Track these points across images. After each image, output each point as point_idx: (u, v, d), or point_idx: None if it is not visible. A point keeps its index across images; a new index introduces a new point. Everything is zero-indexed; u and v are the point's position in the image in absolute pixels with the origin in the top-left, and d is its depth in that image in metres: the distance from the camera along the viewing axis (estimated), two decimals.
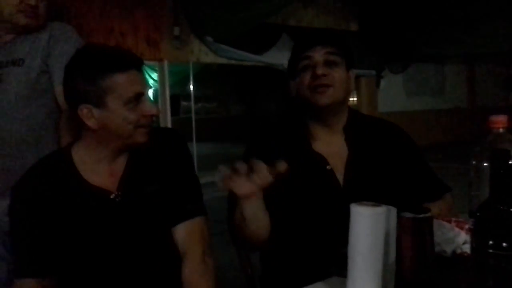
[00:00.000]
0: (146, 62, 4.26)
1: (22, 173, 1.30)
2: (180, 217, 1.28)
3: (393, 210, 0.95)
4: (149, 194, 1.26)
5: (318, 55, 1.38)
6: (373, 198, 0.96)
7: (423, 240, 0.92)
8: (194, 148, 7.50)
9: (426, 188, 1.45)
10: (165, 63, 7.42)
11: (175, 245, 1.28)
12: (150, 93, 8.59)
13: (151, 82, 8.85)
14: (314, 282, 1.09)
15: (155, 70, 8.13)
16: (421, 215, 0.91)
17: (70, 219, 1.22)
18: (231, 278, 2.00)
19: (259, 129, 1.40)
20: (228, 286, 2.51)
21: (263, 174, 1.17)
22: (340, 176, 1.39)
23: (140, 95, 1.20)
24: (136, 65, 1.22)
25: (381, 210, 0.90)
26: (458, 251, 1.10)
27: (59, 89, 1.60)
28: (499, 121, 1.08)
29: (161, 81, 7.59)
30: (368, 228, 0.89)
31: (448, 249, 1.10)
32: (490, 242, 0.81)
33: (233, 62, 8.15)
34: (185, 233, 1.28)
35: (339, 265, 1.01)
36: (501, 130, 1.08)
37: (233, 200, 1.29)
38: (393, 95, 11.32)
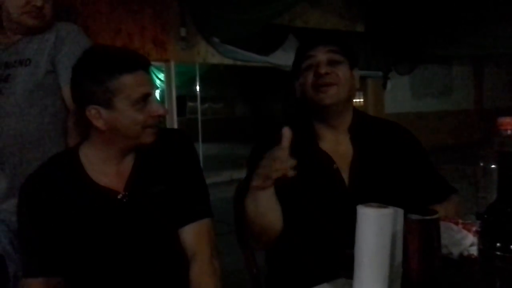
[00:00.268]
0: (152, 62, 4.27)
1: (29, 172, 1.31)
2: (188, 218, 1.29)
3: (400, 212, 0.95)
4: (156, 195, 1.27)
5: (321, 54, 1.39)
6: (378, 198, 0.96)
7: (430, 242, 0.92)
8: (200, 148, 7.52)
9: (432, 190, 1.45)
10: (172, 63, 7.44)
11: (182, 246, 1.28)
12: (157, 93, 8.61)
13: (157, 82, 8.88)
14: (320, 283, 1.08)
15: (161, 71, 8.15)
16: (428, 217, 0.91)
17: (77, 219, 1.22)
18: (235, 279, 1.99)
19: (266, 129, 1.40)
20: (233, 287, 2.51)
21: (284, 158, 1.19)
22: (345, 176, 1.39)
23: (147, 96, 1.21)
24: (143, 66, 1.23)
25: (388, 211, 0.89)
26: (465, 253, 1.10)
27: (66, 90, 1.61)
28: (507, 122, 1.07)
29: (167, 81, 7.62)
30: (375, 229, 0.89)
31: (455, 251, 1.10)
32: (498, 244, 0.81)
33: (239, 63, 8.16)
34: (193, 234, 1.28)
35: (345, 266, 1.01)
36: (509, 132, 1.07)
37: (241, 197, 1.29)
38: (400, 96, 11.27)
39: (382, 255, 0.90)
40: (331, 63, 1.39)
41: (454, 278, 1.02)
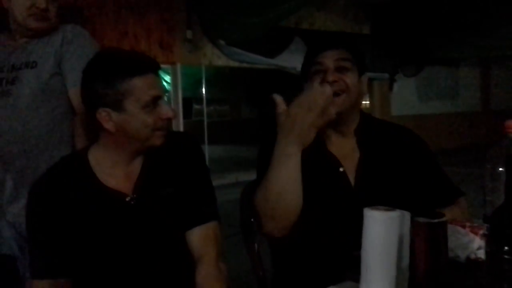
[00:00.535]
0: None
1: (36, 174, 1.32)
2: (195, 221, 1.29)
3: (407, 215, 0.95)
4: (164, 197, 1.27)
5: (329, 61, 1.38)
6: (385, 200, 0.96)
7: (437, 245, 0.92)
8: (206, 151, 7.53)
9: (439, 193, 1.44)
10: (178, 66, 7.46)
11: (189, 248, 1.29)
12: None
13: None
14: (327, 285, 1.08)
15: (168, 73, 8.18)
16: (436, 220, 0.91)
17: (85, 221, 1.23)
18: (242, 282, 2.00)
19: (271, 130, 1.39)
20: None
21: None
22: (352, 179, 1.39)
23: (157, 99, 1.22)
24: (153, 69, 1.24)
25: (395, 214, 0.89)
26: (472, 256, 1.10)
27: (72, 92, 1.61)
28: None
29: (173, 84, 7.63)
30: (382, 232, 0.89)
31: (462, 255, 1.10)
32: (505, 247, 0.81)
33: (245, 65, 8.16)
34: (200, 237, 1.29)
35: (352, 269, 1.01)
36: None
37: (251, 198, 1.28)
38: (406, 98, 11.24)
39: (389, 258, 0.89)
40: (340, 69, 1.38)
41: (461, 282, 1.02)
